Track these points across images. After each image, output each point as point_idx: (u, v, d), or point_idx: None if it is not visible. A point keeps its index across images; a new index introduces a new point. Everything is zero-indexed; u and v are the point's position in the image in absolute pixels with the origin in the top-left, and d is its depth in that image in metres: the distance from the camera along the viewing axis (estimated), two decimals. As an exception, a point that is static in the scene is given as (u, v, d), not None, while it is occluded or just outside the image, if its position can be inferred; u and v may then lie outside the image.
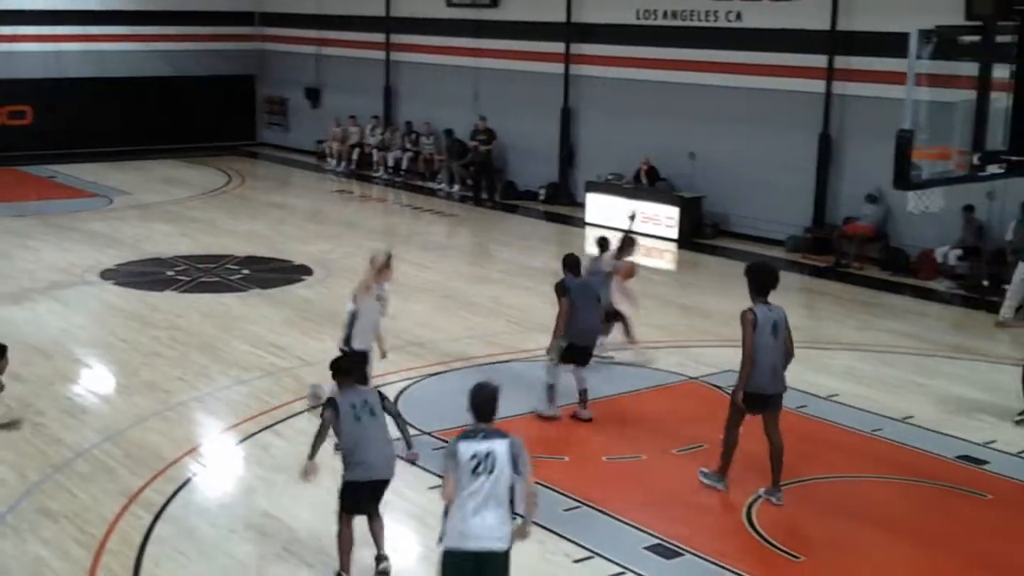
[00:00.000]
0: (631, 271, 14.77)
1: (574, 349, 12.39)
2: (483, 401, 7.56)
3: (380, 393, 9.25)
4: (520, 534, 7.46)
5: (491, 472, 7.31)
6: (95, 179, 28.56)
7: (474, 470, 7.31)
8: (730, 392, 10.84)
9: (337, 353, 10.56)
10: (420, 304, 17.15)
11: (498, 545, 7.34)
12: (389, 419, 9.11)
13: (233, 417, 12.54)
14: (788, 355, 10.46)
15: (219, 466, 11.48)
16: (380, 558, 9.11)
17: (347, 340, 11.44)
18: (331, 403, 8.92)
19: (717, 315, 16.84)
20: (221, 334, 15.52)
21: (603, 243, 14.42)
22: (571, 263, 12.84)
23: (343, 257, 20.11)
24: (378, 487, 8.98)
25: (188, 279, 18.51)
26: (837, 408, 13.03)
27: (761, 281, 10.53)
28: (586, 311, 12.49)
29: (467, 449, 7.35)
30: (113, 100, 32.47)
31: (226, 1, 34.27)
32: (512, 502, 7.41)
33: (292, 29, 33.75)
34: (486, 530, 7.29)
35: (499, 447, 7.38)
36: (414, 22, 29.57)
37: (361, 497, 8.92)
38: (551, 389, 12.50)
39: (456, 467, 7.34)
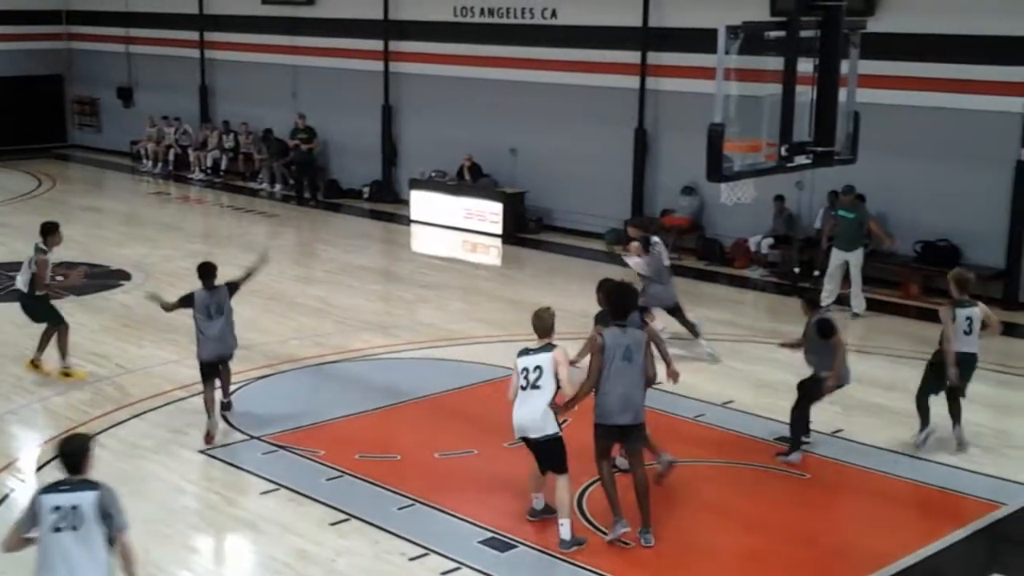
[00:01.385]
0: None
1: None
2: (71, 453, 6.91)
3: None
4: None
5: (75, 528, 6.68)
6: None
7: (55, 527, 6.67)
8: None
9: None
10: (246, 307, 16.82)
11: None
12: None
13: (52, 429, 12.12)
14: (649, 381, 9.87)
15: (39, 480, 11.08)
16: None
17: None
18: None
19: (543, 308, 17.03)
20: (36, 344, 14.96)
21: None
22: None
23: (162, 260, 19.66)
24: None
25: (-1, 288, 17.83)
26: (660, 396, 13.29)
27: (618, 302, 9.95)
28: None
29: (48, 502, 6.71)
30: (-89, 102, 30.97)
31: (32, 0, 32.98)
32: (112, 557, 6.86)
33: (101, 27, 32.74)
34: None
35: (85, 500, 6.73)
36: (229, 19, 29.05)
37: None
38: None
39: (31, 524, 6.75)
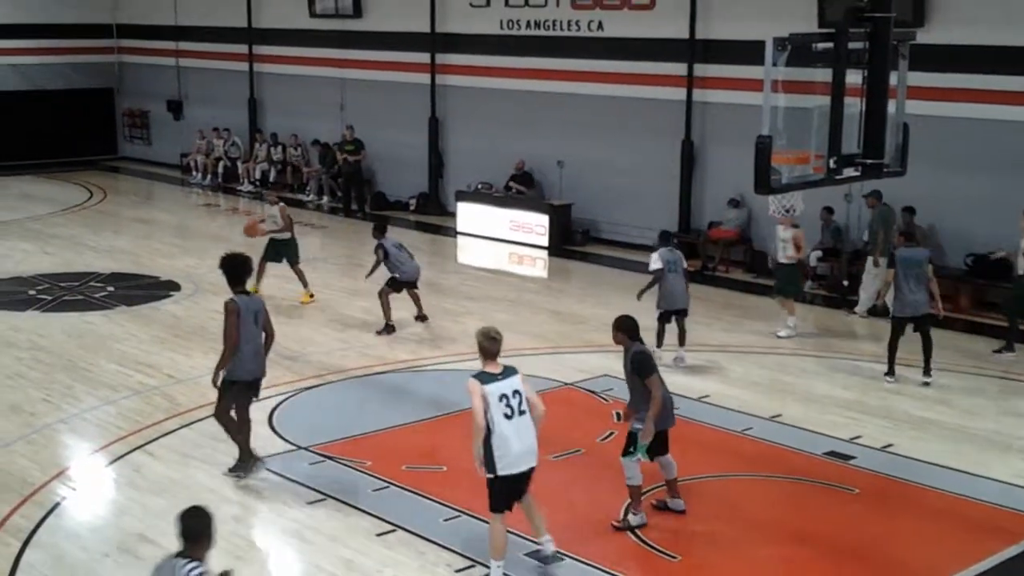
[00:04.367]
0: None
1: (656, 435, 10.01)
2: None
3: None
4: None
5: None
6: (-52, 197, 27.66)
7: None
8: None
9: None
10: (292, 317, 17.00)
11: None
12: None
13: (102, 438, 12.26)
14: (269, 338, 10.94)
15: (89, 489, 11.21)
16: None
17: None
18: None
19: (589, 321, 17.04)
20: (87, 354, 15.16)
21: None
22: (632, 327, 10.16)
23: (210, 272, 19.69)
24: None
25: (50, 298, 18.03)
26: (708, 409, 13.30)
27: (235, 272, 10.87)
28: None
29: None
30: (-33, 116, 31.49)
31: (82, 13, 33.44)
32: None
33: (151, 41, 33.12)
34: None
35: None
36: (277, 33, 29.30)
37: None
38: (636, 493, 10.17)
39: None
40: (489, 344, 8.97)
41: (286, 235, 18.00)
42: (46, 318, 16.87)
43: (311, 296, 17.97)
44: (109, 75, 34.39)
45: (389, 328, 16.23)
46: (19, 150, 32.28)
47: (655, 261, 14.74)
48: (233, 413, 11.01)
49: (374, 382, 14.31)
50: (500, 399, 8.77)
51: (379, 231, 16.63)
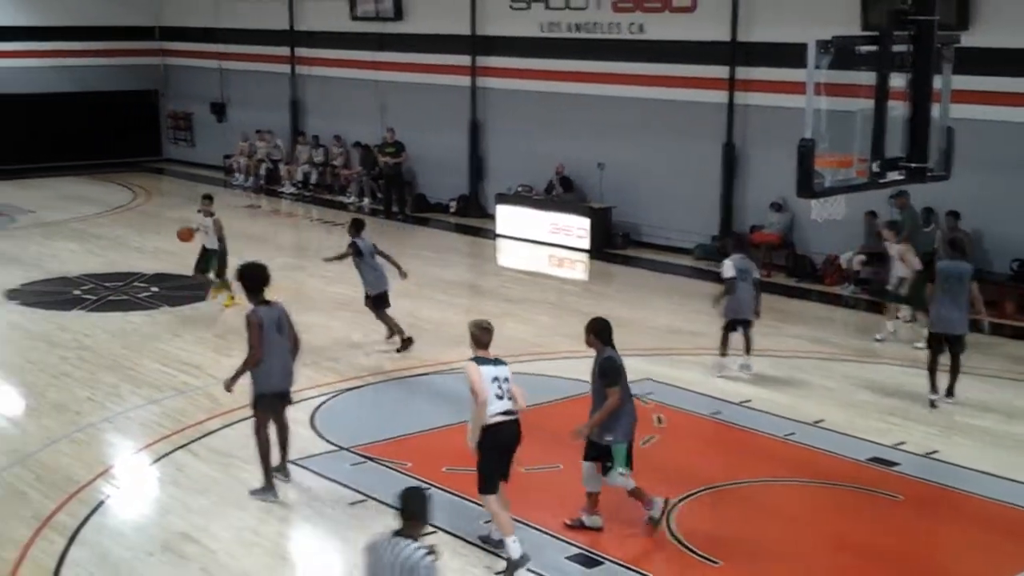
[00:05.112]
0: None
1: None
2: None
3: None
4: None
5: None
6: (-4, 197, 28.01)
7: None
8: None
9: None
10: (334, 319, 17.08)
11: None
12: None
13: (146, 437, 12.37)
14: (295, 346, 10.73)
15: (133, 487, 11.31)
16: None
17: None
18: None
19: (630, 324, 16.99)
20: (131, 353, 15.30)
21: None
22: (605, 330, 10.10)
23: (253, 273, 19.90)
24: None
25: (95, 298, 18.21)
26: (750, 413, 13.24)
27: (253, 281, 10.65)
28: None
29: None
30: (14, 117, 31.90)
31: (126, 16, 33.77)
32: None
33: (194, 43, 33.39)
34: None
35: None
36: (319, 35, 29.45)
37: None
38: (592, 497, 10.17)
39: None
40: (481, 334, 9.52)
41: (214, 246, 17.51)
42: (91, 318, 17.05)
43: (233, 298, 17.20)
44: (154, 77, 34.71)
45: (405, 342, 15.52)
46: (66, 151, 32.67)
47: (728, 269, 14.26)
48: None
49: (414, 383, 14.35)
50: (492, 380, 9.27)
51: (355, 229, 15.97)
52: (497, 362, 9.44)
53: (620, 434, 9.82)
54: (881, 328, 16.33)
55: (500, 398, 9.28)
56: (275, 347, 10.43)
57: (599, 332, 9.98)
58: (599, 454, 9.91)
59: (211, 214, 17.60)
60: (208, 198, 17.90)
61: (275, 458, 10.81)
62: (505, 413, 9.33)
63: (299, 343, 10.84)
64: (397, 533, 6.62)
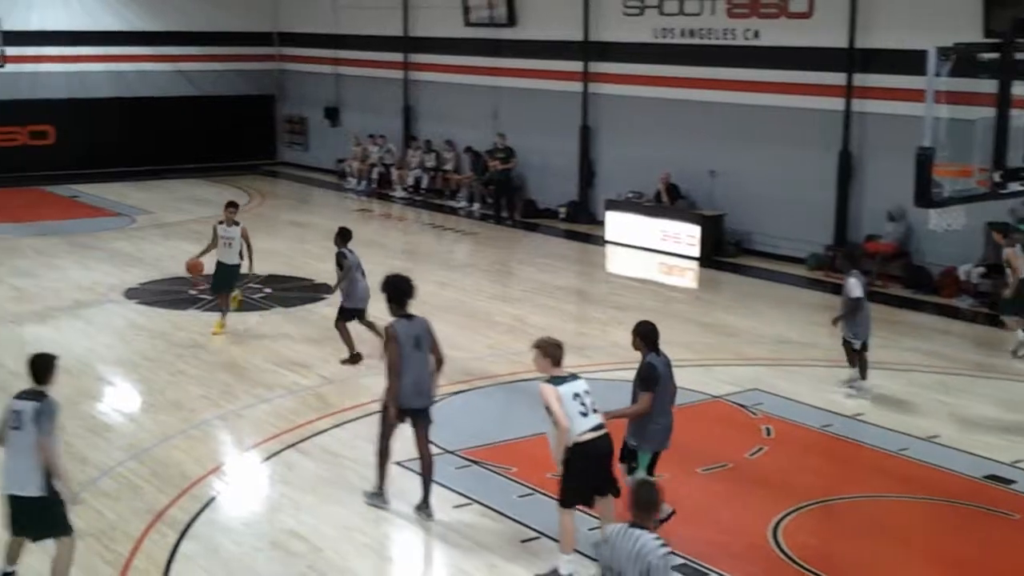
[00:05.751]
0: None
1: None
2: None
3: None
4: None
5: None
6: (117, 198, 28.79)
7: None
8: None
9: None
10: (442, 323, 17.11)
11: None
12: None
13: (257, 435, 12.59)
14: (437, 363, 10.31)
15: (243, 484, 11.52)
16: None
17: None
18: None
19: (740, 334, 16.82)
20: (244, 353, 15.58)
21: None
22: (651, 334, 10.08)
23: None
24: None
25: (211, 298, 18.55)
26: (863, 427, 12.99)
27: (397, 294, 10.37)
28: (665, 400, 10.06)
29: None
30: (134, 120, 32.79)
31: (245, 21, 34.50)
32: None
33: (310, 49, 33.93)
34: None
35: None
36: (432, 41, 29.69)
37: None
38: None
39: None
40: (555, 350, 9.28)
41: (235, 260, 16.27)
42: (207, 317, 17.37)
43: (223, 326, 16.39)
44: (270, 82, 35.37)
45: (354, 357, 14.86)
46: (185, 154, 33.47)
47: (856, 288, 13.53)
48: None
49: (521, 389, 14.35)
50: (574, 398, 9.07)
51: (342, 239, 15.33)
52: (574, 377, 9.24)
53: (645, 442, 9.77)
54: (1013, 341, 15.84)
55: (585, 415, 9.07)
56: (410, 363, 10.04)
57: (645, 335, 9.92)
58: (627, 456, 9.86)
59: (236, 223, 16.42)
60: (233, 205, 16.72)
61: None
62: (594, 429, 9.12)
63: (442, 361, 10.38)
64: (631, 525, 6.64)
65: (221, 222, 16.43)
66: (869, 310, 13.90)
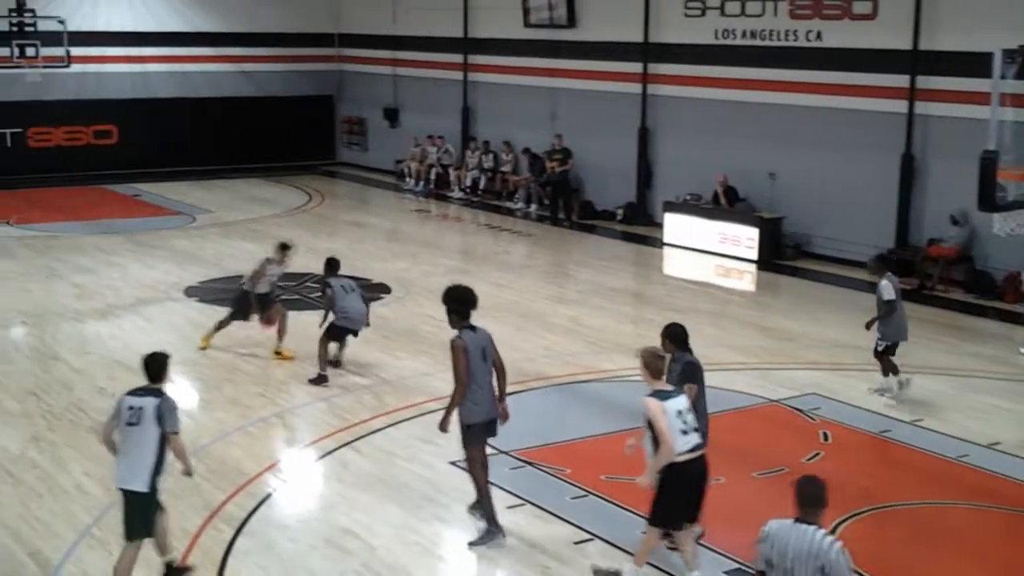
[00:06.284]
0: None
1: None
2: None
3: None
4: None
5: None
6: (179, 197, 29.10)
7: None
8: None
9: None
10: (498, 323, 17.13)
11: None
12: None
13: (313, 433, 12.66)
14: (500, 374, 9.93)
15: (299, 482, 11.59)
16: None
17: None
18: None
19: (798, 337, 16.67)
20: (300, 351, 15.65)
21: None
22: (680, 335, 9.99)
23: (421, 276, 20.21)
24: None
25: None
26: (922, 433, 12.82)
27: (459, 305, 9.86)
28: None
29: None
30: (196, 119, 33.17)
31: (306, 23, 34.76)
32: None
33: (370, 50, 34.10)
34: None
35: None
36: (492, 43, 29.72)
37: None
38: None
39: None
40: (657, 362, 9.00)
41: (265, 290, 15.54)
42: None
43: (208, 342, 15.75)
44: (331, 83, 35.60)
45: (321, 378, 14.21)
46: (246, 153, 33.81)
47: (889, 291, 13.46)
48: None
49: (576, 390, 14.33)
50: (677, 415, 8.80)
51: (330, 269, 14.79)
52: (676, 393, 8.97)
53: None
54: None
55: (685, 433, 8.77)
56: (479, 376, 9.77)
57: (674, 336, 9.78)
58: None
59: (282, 263, 15.76)
60: (285, 248, 15.83)
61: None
62: (693, 449, 8.84)
63: (505, 371, 10.09)
64: (797, 520, 6.64)
65: (271, 260, 15.62)
66: (904, 312, 13.77)
